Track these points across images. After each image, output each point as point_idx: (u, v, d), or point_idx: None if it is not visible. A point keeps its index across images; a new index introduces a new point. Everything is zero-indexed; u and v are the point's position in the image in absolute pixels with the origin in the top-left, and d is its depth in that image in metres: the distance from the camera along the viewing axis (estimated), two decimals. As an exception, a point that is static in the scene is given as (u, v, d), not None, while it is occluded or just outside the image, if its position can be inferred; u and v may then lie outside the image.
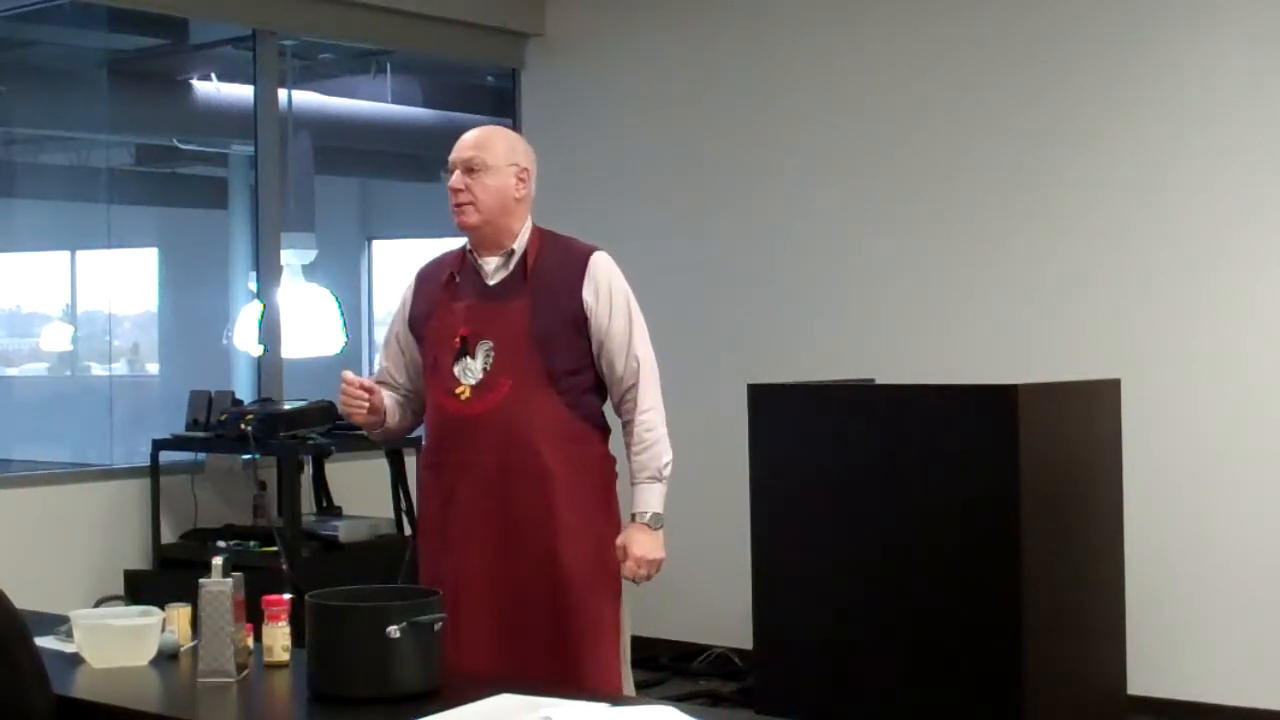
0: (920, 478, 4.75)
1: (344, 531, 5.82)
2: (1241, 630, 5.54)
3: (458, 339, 3.55)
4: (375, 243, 11.55)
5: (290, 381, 6.45)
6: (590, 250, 3.64)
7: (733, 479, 5.37)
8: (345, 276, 10.47)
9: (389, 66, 8.34)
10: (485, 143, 3.62)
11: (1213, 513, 5.60)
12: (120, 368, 10.09)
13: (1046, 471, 4.67)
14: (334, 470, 6.17)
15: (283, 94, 6.73)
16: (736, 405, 5.23)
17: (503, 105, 7.67)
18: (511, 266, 3.59)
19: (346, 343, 7.72)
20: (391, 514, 6.06)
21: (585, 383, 3.60)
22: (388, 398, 3.72)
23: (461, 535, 3.58)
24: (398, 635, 2.76)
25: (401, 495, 6.02)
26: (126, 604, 3.64)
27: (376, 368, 3.84)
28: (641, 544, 3.53)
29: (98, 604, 3.58)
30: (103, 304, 9.58)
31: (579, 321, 3.57)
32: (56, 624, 3.33)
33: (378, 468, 6.07)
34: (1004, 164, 6.07)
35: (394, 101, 8.60)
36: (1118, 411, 5.18)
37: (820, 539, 4.96)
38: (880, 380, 5.59)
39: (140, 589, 5.45)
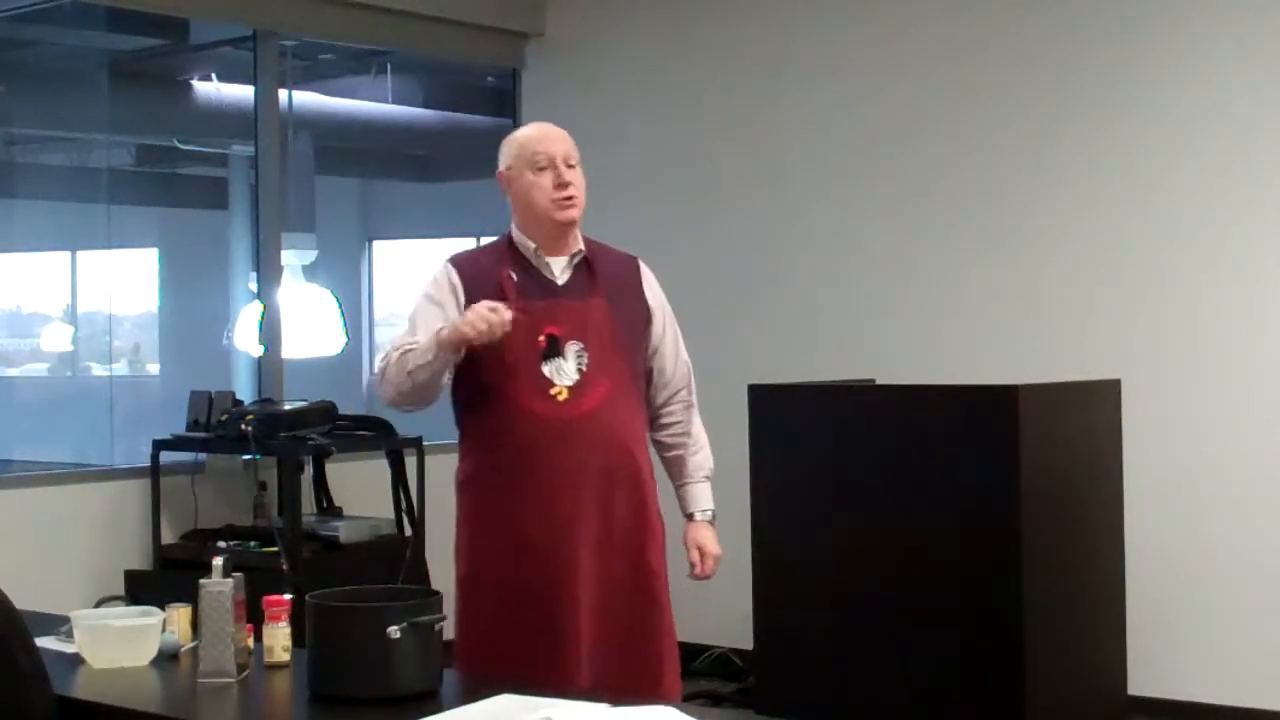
0: (920, 478, 4.75)
1: (344, 532, 5.82)
2: (1241, 630, 5.54)
3: (543, 338, 3.41)
4: (375, 243, 11.56)
5: (290, 381, 6.45)
6: (633, 256, 3.65)
7: (733, 479, 5.37)
8: (345, 276, 10.48)
9: (389, 66, 8.35)
10: (568, 138, 3.52)
11: (1213, 513, 5.60)
12: (120, 368, 10.10)
13: (1046, 471, 4.67)
14: (334, 470, 6.16)
15: (283, 94, 6.73)
16: (736, 405, 5.23)
17: (503, 105, 7.67)
18: (574, 267, 3.51)
19: (347, 343, 7.73)
20: (392, 514, 6.06)
21: (644, 386, 3.61)
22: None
23: (566, 542, 3.41)
24: (398, 635, 2.76)
25: (402, 495, 6.02)
26: (127, 604, 3.62)
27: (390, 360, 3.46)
28: (713, 541, 3.63)
29: (98, 604, 3.57)
30: (103, 304, 9.59)
31: (647, 324, 3.57)
32: (57, 624, 3.33)
33: (378, 468, 6.08)
34: (1004, 164, 6.06)
35: (394, 102, 8.60)
36: (1118, 411, 5.18)
37: (820, 539, 4.96)
38: (880, 380, 5.59)
39: (140, 589, 5.45)
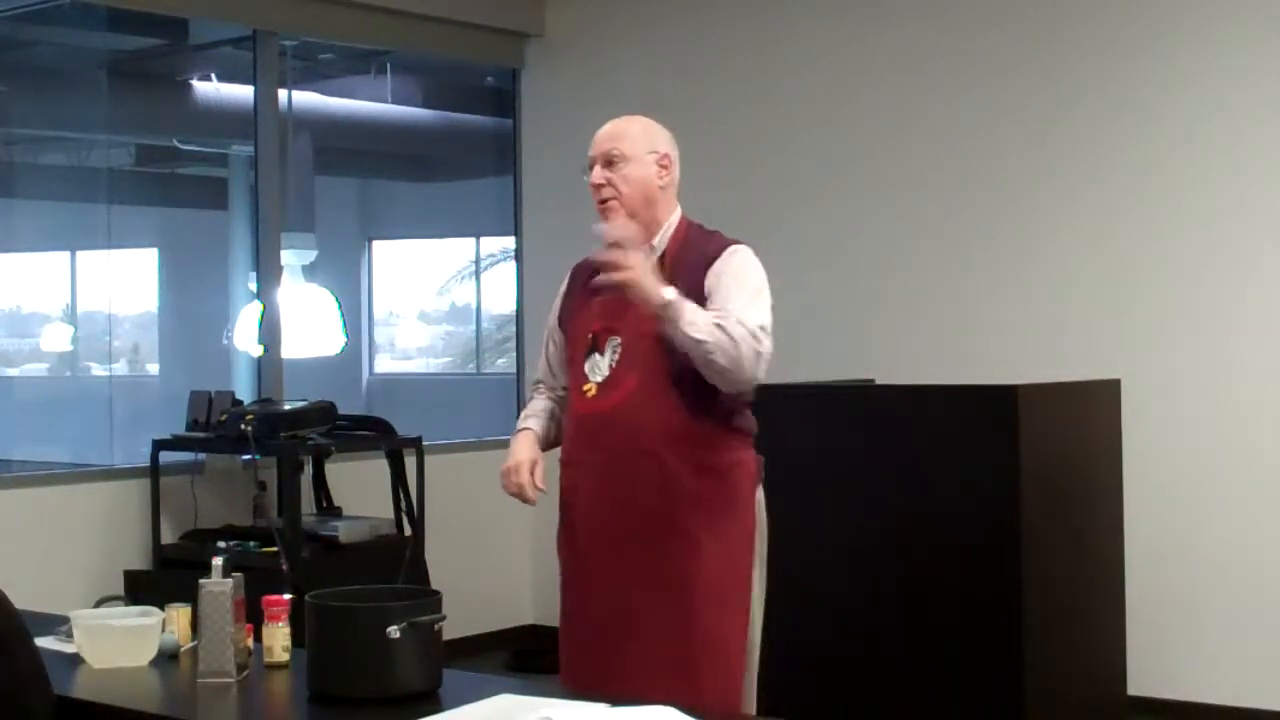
0: (920, 478, 4.75)
1: (344, 532, 5.82)
2: (1241, 630, 5.54)
3: (589, 335, 3.41)
4: (375, 243, 11.56)
5: (290, 382, 6.45)
6: (732, 243, 3.45)
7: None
8: (345, 276, 10.48)
9: (389, 66, 8.35)
10: (621, 132, 3.43)
11: (1212, 513, 5.60)
12: (120, 368, 10.09)
13: (1046, 471, 4.67)
14: (334, 470, 6.17)
15: (283, 94, 6.73)
16: (736, 405, 5.22)
17: (503, 105, 7.68)
18: (652, 262, 3.35)
19: (346, 343, 7.72)
20: (391, 514, 6.06)
21: (695, 381, 3.34)
22: (543, 419, 3.56)
23: (584, 535, 3.44)
24: (398, 635, 2.76)
25: (401, 495, 6.02)
26: (127, 604, 3.62)
27: (539, 371, 3.63)
28: (645, 269, 3.24)
29: (98, 604, 3.56)
30: (103, 304, 9.58)
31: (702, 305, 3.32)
32: (56, 624, 3.33)
33: (378, 468, 6.08)
34: (1004, 164, 6.07)
35: (394, 102, 8.60)
36: (1118, 411, 5.18)
37: (820, 539, 4.96)
38: (880, 380, 5.59)
39: (140, 589, 5.45)
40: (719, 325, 3.21)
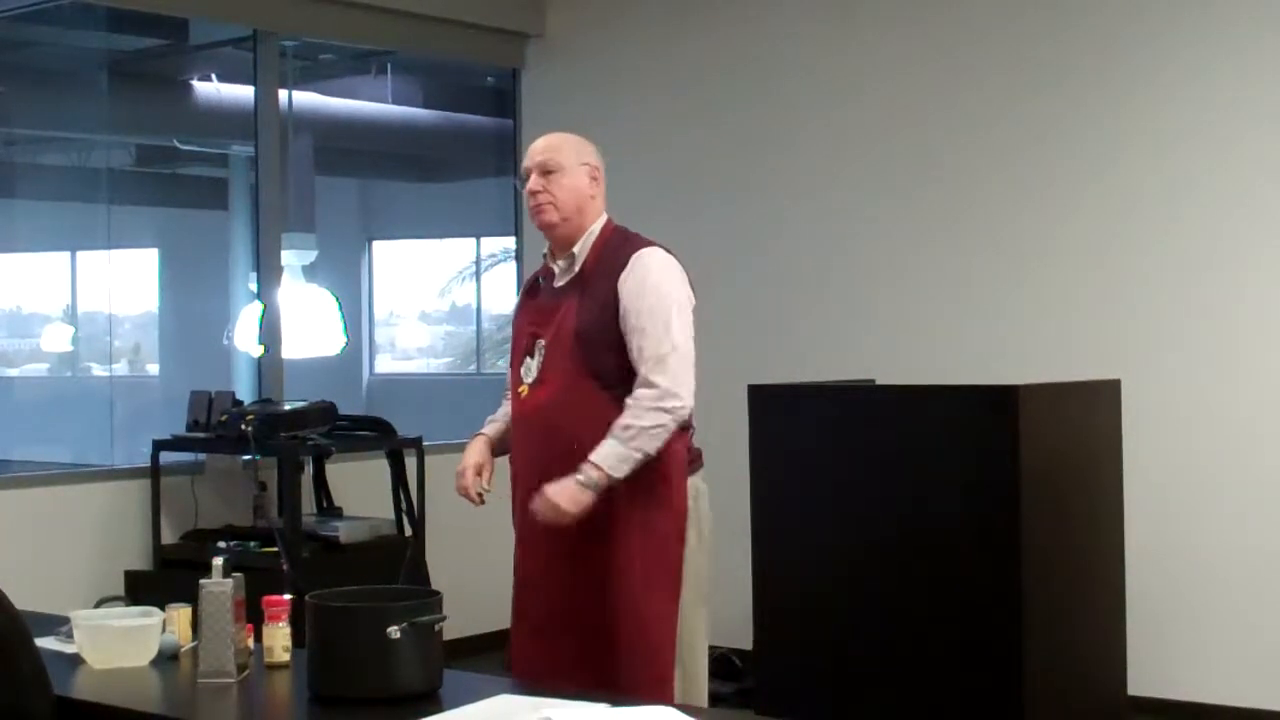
0: (920, 478, 4.75)
1: (344, 532, 5.82)
2: (1241, 630, 5.54)
3: (525, 338, 3.66)
4: (375, 243, 11.57)
5: (291, 382, 6.45)
6: (640, 248, 3.61)
7: (733, 479, 5.37)
8: (345, 277, 10.49)
9: (389, 67, 8.36)
10: (556, 145, 3.68)
11: (1212, 513, 5.60)
12: (121, 368, 10.10)
13: (1046, 471, 4.67)
14: (334, 470, 6.17)
15: (283, 94, 6.73)
16: (736, 405, 5.23)
17: (503, 105, 7.68)
18: (576, 267, 3.62)
19: (347, 343, 7.73)
20: (392, 514, 6.06)
21: (621, 379, 3.52)
22: (500, 423, 3.80)
23: (520, 532, 3.68)
24: (398, 636, 2.77)
25: (402, 495, 6.02)
26: (127, 604, 3.63)
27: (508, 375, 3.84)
28: (555, 489, 3.44)
29: (98, 605, 3.57)
30: (103, 305, 9.59)
31: (614, 315, 3.52)
32: (57, 625, 3.34)
33: (378, 468, 6.08)
34: (1004, 163, 6.07)
35: (394, 102, 8.61)
36: (1118, 411, 5.18)
37: (820, 539, 4.96)
38: (880, 380, 5.59)
39: (141, 589, 5.45)
40: (630, 442, 3.42)
